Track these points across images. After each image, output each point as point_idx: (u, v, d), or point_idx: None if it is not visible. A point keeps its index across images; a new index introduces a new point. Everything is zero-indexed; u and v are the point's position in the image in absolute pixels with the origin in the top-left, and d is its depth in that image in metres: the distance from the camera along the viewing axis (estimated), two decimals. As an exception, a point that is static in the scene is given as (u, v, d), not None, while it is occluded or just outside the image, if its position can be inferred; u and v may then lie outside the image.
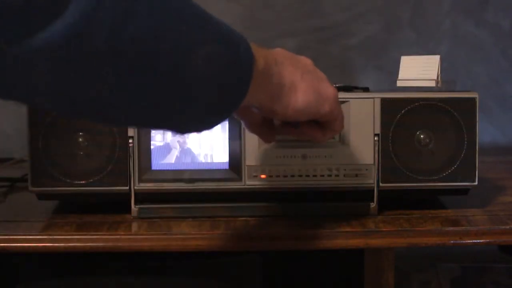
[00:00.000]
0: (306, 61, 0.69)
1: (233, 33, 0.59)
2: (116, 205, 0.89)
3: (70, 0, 0.45)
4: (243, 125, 0.85)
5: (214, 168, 0.87)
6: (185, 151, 0.87)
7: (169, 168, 0.86)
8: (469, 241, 0.82)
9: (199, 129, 0.61)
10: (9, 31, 0.44)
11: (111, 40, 0.48)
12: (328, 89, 0.69)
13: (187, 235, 0.81)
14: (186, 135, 0.87)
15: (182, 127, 0.60)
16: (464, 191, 0.89)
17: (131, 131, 0.85)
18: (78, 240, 0.81)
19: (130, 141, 0.85)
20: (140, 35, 0.49)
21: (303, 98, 0.66)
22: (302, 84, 0.66)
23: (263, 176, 0.86)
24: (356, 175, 0.87)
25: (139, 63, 0.50)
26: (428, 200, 0.93)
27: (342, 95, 0.88)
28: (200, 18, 0.58)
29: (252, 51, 0.59)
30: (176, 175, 0.86)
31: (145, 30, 0.50)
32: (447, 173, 0.87)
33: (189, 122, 0.59)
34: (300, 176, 0.87)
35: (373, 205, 0.87)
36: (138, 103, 0.53)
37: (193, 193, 0.87)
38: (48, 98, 0.50)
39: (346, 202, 0.88)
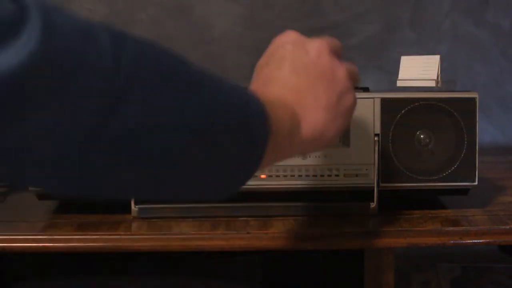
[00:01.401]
0: (333, 75, 0.64)
1: (247, 106, 0.54)
2: (116, 205, 0.89)
3: (51, 91, 0.39)
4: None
5: (214, 168, 0.87)
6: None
7: (169, 168, 0.86)
8: (469, 241, 0.82)
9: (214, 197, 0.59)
10: None
11: (96, 134, 0.43)
12: (349, 101, 0.65)
13: (187, 235, 0.81)
14: None
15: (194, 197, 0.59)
16: (464, 191, 0.89)
17: (131, 131, 0.85)
18: (78, 240, 0.81)
19: (130, 141, 0.85)
20: (132, 126, 0.45)
21: (331, 138, 0.64)
22: (327, 126, 0.62)
23: (263, 176, 0.86)
24: (356, 175, 0.87)
25: (132, 153, 0.46)
26: (428, 200, 0.93)
27: (342, 95, 0.88)
28: (212, 100, 0.51)
29: (267, 126, 0.55)
30: (176, 175, 0.86)
31: (138, 122, 0.45)
32: (447, 173, 0.87)
33: (195, 196, 0.58)
34: (300, 176, 0.87)
35: (373, 205, 0.87)
36: (131, 187, 0.50)
37: (193, 193, 0.87)
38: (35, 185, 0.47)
39: (346, 202, 0.88)
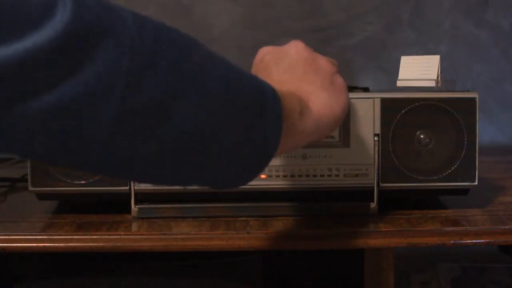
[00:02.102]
0: (321, 72, 0.68)
1: (261, 93, 0.57)
2: (116, 205, 0.89)
3: (84, 59, 0.44)
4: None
5: (214, 168, 0.87)
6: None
7: (169, 168, 0.86)
8: (469, 241, 0.82)
9: (230, 185, 0.60)
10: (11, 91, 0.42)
11: (123, 103, 0.46)
12: (340, 80, 0.69)
13: (187, 235, 0.81)
14: None
15: (212, 185, 0.59)
16: (464, 191, 0.89)
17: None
18: (78, 240, 0.81)
19: (130, 141, 0.85)
20: (157, 97, 0.48)
21: (340, 112, 0.67)
22: (333, 101, 0.66)
23: (263, 176, 0.86)
24: (356, 175, 0.87)
25: (150, 126, 0.49)
26: (428, 200, 0.93)
27: (342, 95, 0.88)
28: (226, 77, 0.55)
29: (280, 104, 0.58)
30: (176, 175, 0.86)
31: (162, 93, 0.48)
32: (447, 173, 0.87)
33: (215, 182, 0.58)
34: (300, 176, 0.87)
35: (373, 205, 0.87)
36: (151, 166, 0.52)
37: (193, 193, 0.87)
38: (47, 160, 0.49)
39: (346, 202, 0.88)
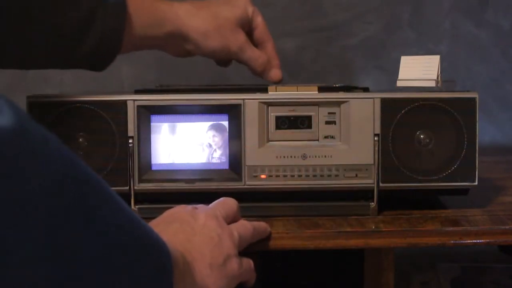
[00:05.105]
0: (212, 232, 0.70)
1: (157, 242, 0.59)
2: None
3: None
4: (243, 125, 0.85)
5: (214, 168, 0.87)
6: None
7: (169, 168, 0.87)
8: (469, 241, 0.82)
9: None
10: None
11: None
12: (234, 266, 0.71)
13: (187, 235, 0.81)
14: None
15: None
16: (464, 191, 0.89)
17: (131, 131, 0.85)
18: (78, 240, 0.81)
19: (130, 141, 0.85)
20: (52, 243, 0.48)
21: None
22: (210, 282, 0.67)
23: (263, 176, 0.86)
24: (356, 175, 0.87)
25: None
26: (428, 200, 0.93)
27: (342, 95, 0.88)
28: (128, 233, 0.56)
29: (171, 260, 0.60)
30: (175, 175, 0.86)
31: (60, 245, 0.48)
32: (447, 173, 0.87)
33: None
34: (300, 176, 0.87)
35: (373, 205, 0.87)
36: None
37: (193, 193, 0.87)
38: None
39: (346, 202, 0.88)
